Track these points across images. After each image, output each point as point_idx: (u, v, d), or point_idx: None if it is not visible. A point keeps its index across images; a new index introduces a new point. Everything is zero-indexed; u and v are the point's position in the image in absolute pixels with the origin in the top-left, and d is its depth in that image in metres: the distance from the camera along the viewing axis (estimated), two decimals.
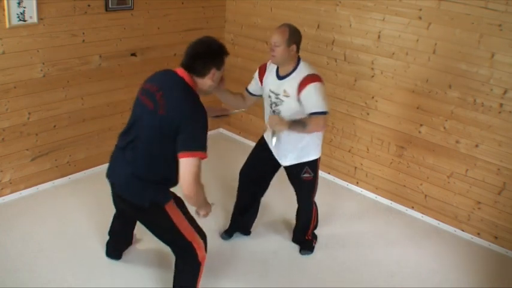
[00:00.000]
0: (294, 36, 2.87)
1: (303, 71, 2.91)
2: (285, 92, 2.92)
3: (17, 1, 3.24)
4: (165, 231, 2.59)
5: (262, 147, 3.25)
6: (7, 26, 3.26)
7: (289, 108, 2.93)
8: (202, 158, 2.24)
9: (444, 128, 3.69)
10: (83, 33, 3.72)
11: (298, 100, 2.89)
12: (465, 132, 3.59)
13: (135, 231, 3.15)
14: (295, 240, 3.53)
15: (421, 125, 3.79)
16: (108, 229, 3.08)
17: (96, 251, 3.19)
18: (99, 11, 3.76)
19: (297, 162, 3.11)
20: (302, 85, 2.84)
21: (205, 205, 2.52)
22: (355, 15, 3.92)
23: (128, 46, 4.07)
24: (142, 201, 2.42)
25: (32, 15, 3.35)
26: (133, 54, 4.13)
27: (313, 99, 2.85)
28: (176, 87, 2.36)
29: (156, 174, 2.41)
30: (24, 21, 3.33)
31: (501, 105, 3.39)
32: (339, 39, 4.07)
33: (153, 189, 2.44)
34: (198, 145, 2.25)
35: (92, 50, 3.83)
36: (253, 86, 3.18)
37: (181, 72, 2.39)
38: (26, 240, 3.25)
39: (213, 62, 2.39)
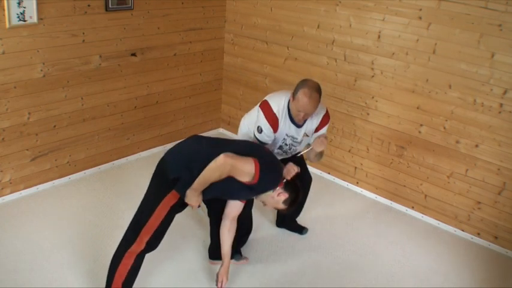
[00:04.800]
0: (321, 96, 2.92)
1: (318, 111, 3.04)
2: (305, 135, 3.10)
3: (17, 1, 3.24)
4: (145, 202, 2.61)
5: None
6: (7, 26, 3.26)
7: (304, 143, 3.18)
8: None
9: (444, 128, 3.69)
10: (83, 33, 3.72)
11: (313, 133, 3.14)
12: (465, 132, 3.59)
13: None
14: (284, 224, 3.60)
15: (421, 125, 3.80)
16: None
17: (96, 251, 3.19)
18: (99, 11, 3.76)
19: None
20: (322, 124, 3.12)
21: (196, 194, 2.53)
22: (355, 15, 3.92)
23: (128, 46, 4.07)
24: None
25: (32, 15, 3.35)
26: (133, 54, 4.13)
27: (325, 130, 3.18)
28: None
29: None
30: (24, 21, 3.33)
31: (501, 105, 3.39)
32: (339, 39, 4.07)
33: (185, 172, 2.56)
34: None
35: (92, 50, 3.83)
36: (267, 140, 3.04)
37: None
38: (26, 240, 3.25)
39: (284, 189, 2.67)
